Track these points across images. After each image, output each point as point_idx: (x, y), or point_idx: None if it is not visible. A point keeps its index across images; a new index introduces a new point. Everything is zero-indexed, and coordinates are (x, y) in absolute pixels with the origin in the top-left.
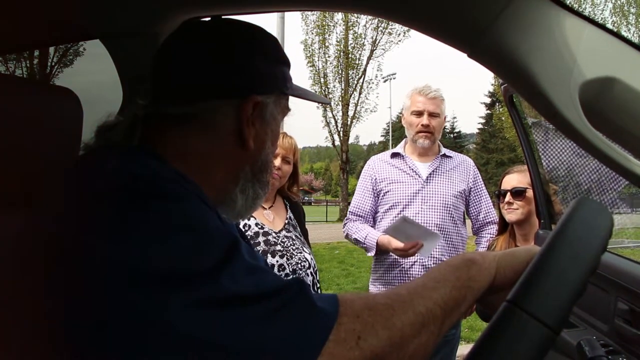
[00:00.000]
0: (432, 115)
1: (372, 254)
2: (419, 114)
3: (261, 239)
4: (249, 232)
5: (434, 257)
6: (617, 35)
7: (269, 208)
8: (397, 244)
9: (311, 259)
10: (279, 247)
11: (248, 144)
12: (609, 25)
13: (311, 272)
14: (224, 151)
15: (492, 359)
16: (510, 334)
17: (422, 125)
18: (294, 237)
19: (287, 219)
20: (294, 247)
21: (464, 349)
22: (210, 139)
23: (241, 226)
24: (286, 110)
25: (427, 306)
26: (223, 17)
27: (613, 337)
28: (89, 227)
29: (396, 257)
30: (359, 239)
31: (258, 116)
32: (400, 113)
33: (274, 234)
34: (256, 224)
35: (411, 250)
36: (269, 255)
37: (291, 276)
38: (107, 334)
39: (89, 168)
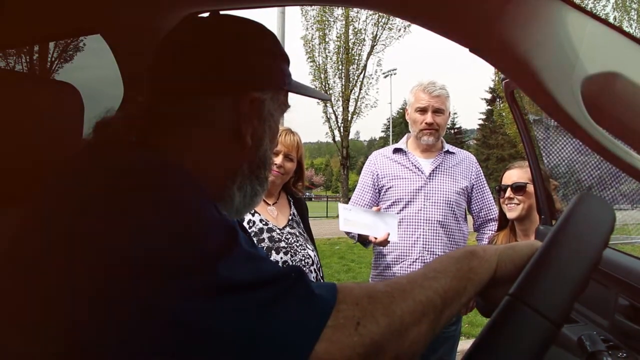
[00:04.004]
0: (436, 112)
1: (354, 241)
2: (423, 111)
3: (265, 235)
4: (253, 229)
5: (435, 254)
6: (620, 30)
7: (273, 204)
8: (371, 236)
9: (315, 255)
10: (283, 244)
11: (245, 140)
12: (611, 21)
13: (315, 269)
14: (221, 148)
15: (495, 353)
16: (513, 328)
17: (426, 123)
18: (297, 233)
19: (290, 215)
20: (297, 244)
21: (464, 344)
22: (207, 136)
23: (245, 222)
24: (285, 106)
25: (427, 295)
26: (222, 12)
27: (613, 332)
28: (87, 222)
29: (397, 254)
30: (346, 230)
31: (255, 113)
32: (401, 109)
33: (278, 231)
34: (260, 220)
35: (382, 239)
36: (273, 251)
37: None
38: (106, 323)
39: (88, 162)
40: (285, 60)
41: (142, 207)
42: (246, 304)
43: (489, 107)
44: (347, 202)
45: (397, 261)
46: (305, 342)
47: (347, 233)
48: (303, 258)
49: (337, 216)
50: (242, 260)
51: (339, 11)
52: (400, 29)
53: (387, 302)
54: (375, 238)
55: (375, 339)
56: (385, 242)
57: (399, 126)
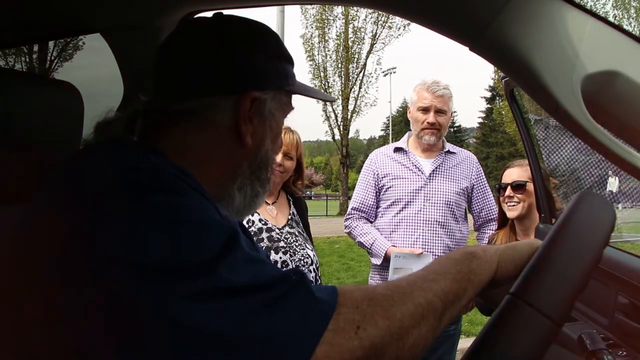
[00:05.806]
0: (439, 112)
1: (378, 262)
2: (426, 110)
3: (264, 235)
4: (252, 228)
5: (435, 254)
6: (620, 28)
7: (273, 204)
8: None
9: (314, 255)
10: (282, 244)
11: (246, 140)
12: (611, 19)
13: (313, 269)
14: (222, 147)
15: (496, 352)
16: (513, 326)
17: (428, 122)
18: (296, 233)
19: (290, 214)
20: (297, 244)
21: (464, 343)
22: (208, 135)
23: (245, 222)
24: (287, 107)
25: (427, 298)
26: (223, 12)
27: (613, 331)
28: (87, 221)
29: None
30: (364, 243)
31: (256, 112)
32: (401, 107)
33: (277, 230)
34: (260, 220)
35: None
36: (272, 251)
37: None
38: (105, 326)
39: (88, 161)
40: (289, 61)
41: (141, 208)
42: (246, 307)
43: (489, 106)
44: (347, 201)
45: None
46: (305, 345)
47: (368, 252)
48: (302, 258)
49: (337, 215)
50: (243, 263)
51: (338, 9)
52: (399, 28)
53: (387, 305)
54: None
55: (375, 342)
56: None
57: (398, 125)
